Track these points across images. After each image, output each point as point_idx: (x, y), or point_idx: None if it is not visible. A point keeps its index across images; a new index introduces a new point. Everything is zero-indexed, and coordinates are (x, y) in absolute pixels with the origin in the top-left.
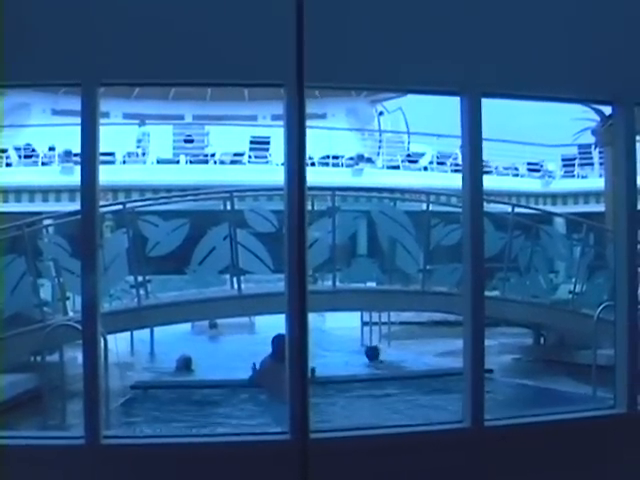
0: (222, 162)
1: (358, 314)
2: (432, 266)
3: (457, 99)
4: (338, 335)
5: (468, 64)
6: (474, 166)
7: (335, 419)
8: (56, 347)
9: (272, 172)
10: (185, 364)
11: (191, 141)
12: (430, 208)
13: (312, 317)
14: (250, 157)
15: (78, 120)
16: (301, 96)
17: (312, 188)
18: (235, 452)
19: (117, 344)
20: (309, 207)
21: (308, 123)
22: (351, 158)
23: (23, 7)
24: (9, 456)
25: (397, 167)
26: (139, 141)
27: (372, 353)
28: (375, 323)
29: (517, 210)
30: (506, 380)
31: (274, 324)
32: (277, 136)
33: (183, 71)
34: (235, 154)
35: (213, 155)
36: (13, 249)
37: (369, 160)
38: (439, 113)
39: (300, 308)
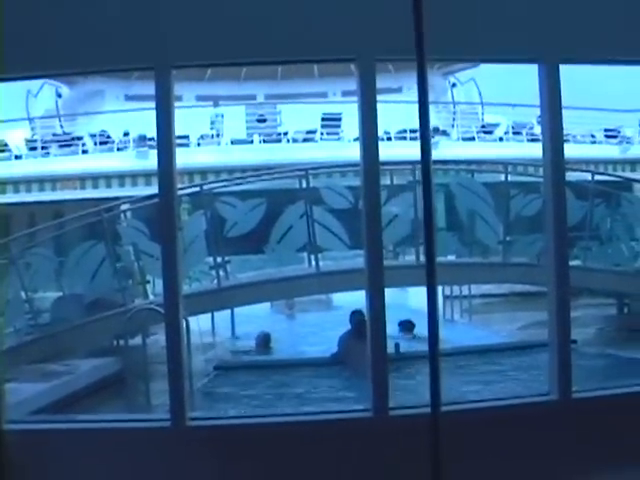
0: (295, 140)
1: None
2: (512, 237)
3: (529, 67)
4: (419, 310)
5: (546, 30)
6: (554, 134)
7: (417, 395)
8: (138, 330)
9: (345, 148)
10: (264, 341)
11: (264, 120)
12: (508, 179)
13: (395, 292)
14: (322, 134)
15: (152, 105)
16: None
17: (389, 163)
18: (318, 430)
19: (199, 325)
20: (388, 182)
21: (384, 97)
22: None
23: None
24: (96, 439)
25: (472, 139)
26: (213, 123)
27: (406, 327)
28: (456, 297)
29: (597, 178)
30: (590, 351)
31: (351, 300)
32: (349, 112)
33: (254, 50)
34: (307, 132)
35: (286, 134)
36: (92, 235)
37: (444, 133)
38: (512, 83)
39: (378, 283)
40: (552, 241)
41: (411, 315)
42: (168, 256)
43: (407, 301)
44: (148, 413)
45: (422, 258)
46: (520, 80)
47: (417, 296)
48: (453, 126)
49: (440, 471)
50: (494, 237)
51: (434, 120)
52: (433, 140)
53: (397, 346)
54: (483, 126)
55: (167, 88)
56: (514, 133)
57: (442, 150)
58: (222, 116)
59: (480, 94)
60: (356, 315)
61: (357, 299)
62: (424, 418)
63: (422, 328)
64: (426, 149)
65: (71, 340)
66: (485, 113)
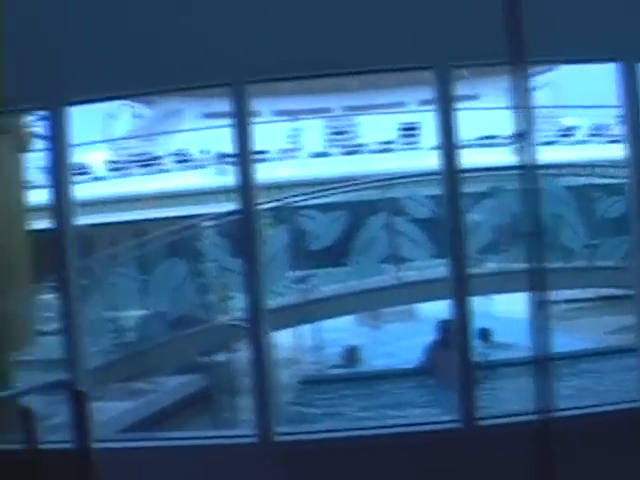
0: (373, 151)
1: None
2: (597, 240)
3: (607, 67)
4: (507, 318)
5: (623, 29)
6: (636, 134)
7: (506, 404)
8: (223, 346)
9: (424, 157)
10: (350, 355)
11: (342, 133)
12: (591, 181)
13: (478, 300)
14: (400, 144)
15: (229, 122)
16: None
17: (469, 170)
18: (407, 443)
19: (283, 339)
20: (469, 189)
21: (461, 105)
22: (507, 137)
23: (168, 14)
24: (183, 457)
25: (553, 142)
26: (291, 137)
27: (482, 334)
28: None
29: None
30: None
31: (435, 310)
32: (427, 121)
33: (329, 63)
34: (385, 142)
35: (364, 145)
36: (174, 253)
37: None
38: (590, 84)
39: (462, 292)
40: (638, 243)
41: (495, 323)
42: (251, 271)
43: (490, 309)
44: (235, 429)
45: (505, 265)
46: (598, 81)
47: (501, 303)
48: (535, 130)
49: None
50: (579, 241)
51: (514, 125)
52: (514, 145)
53: (482, 355)
54: (563, 129)
55: (243, 104)
56: (594, 135)
57: (522, 155)
58: (301, 130)
59: (559, 97)
60: (442, 324)
61: (441, 309)
62: (514, 427)
63: (504, 335)
64: (529, 152)
65: (156, 358)
66: (564, 116)
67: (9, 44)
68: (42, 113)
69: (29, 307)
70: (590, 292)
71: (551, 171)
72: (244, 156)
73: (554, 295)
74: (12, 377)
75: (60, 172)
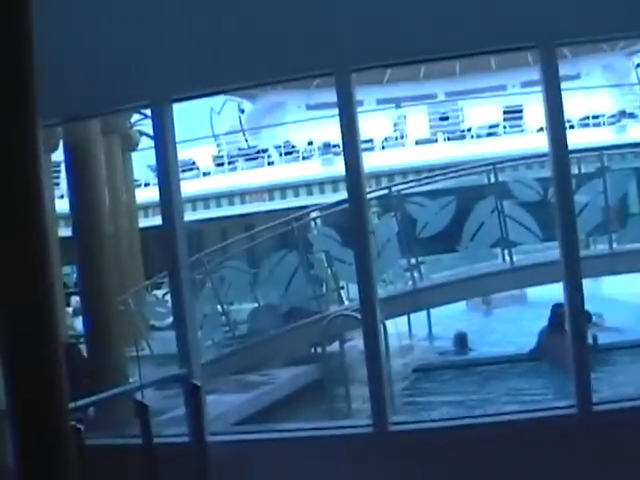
0: (479, 136)
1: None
2: None
3: None
4: (619, 300)
5: None
6: None
7: (619, 388)
8: (335, 337)
9: (529, 140)
10: (461, 341)
11: (446, 118)
12: None
13: (588, 282)
14: (505, 127)
15: (333, 112)
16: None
17: (577, 151)
18: (523, 430)
19: (396, 328)
20: (576, 170)
21: (563, 85)
22: (612, 116)
23: (269, 3)
24: (298, 448)
25: None
26: (396, 124)
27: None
28: None
29: None
30: None
31: (546, 294)
32: (530, 103)
33: (431, 47)
34: (490, 126)
35: (469, 130)
36: (284, 245)
37: (631, 115)
38: None
39: (575, 275)
40: None
41: (606, 305)
42: (361, 260)
43: (599, 290)
44: (350, 419)
45: (615, 246)
46: None
47: (611, 285)
48: None
49: None
50: None
51: (620, 103)
52: (620, 124)
53: (595, 338)
54: None
55: (349, 92)
56: None
57: (631, 133)
58: (405, 117)
59: None
60: (556, 308)
61: (552, 292)
62: (630, 412)
63: (615, 317)
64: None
65: (269, 350)
66: None
67: (111, 43)
68: (147, 111)
69: (143, 303)
70: None
71: None
72: (351, 145)
73: None
74: (128, 372)
75: (168, 169)
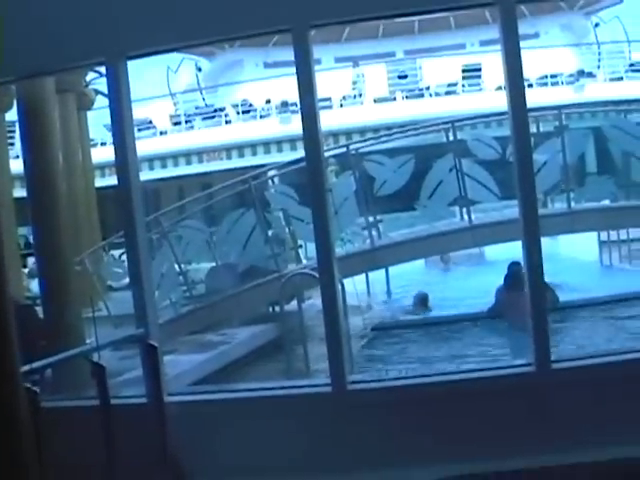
0: (437, 94)
1: (595, 235)
2: None
3: None
4: (576, 258)
5: None
6: None
7: (577, 345)
8: (293, 296)
9: (488, 98)
10: (422, 301)
11: (405, 77)
12: None
13: (547, 241)
14: (464, 86)
15: (291, 70)
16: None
17: (535, 109)
18: (481, 387)
19: (354, 287)
20: (534, 129)
21: (521, 44)
22: (571, 75)
23: None
24: (256, 407)
25: (620, 78)
26: (354, 83)
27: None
28: (613, 242)
29: None
30: None
31: (504, 253)
32: (488, 61)
33: (389, 3)
34: (449, 84)
35: (428, 88)
36: (242, 204)
37: (590, 74)
38: None
39: (533, 233)
40: None
41: (563, 263)
42: (319, 219)
43: (557, 249)
44: (308, 378)
45: (573, 205)
46: None
47: (568, 244)
48: (599, 67)
49: None
50: None
51: (578, 62)
52: (578, 83)
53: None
54: (631, 64)
55: (306, 49)
56: None
57: (589, 92)
58: (363, 75)
59: (626, 31)
60: (512, 267)
61: (510, 251)
62: (587, 369)
63: (576, 276)
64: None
65: (227, 309)
66: (632, 51)
67: (66, 1)
68: (102, 69)
69: (100, 263)
70: None
71: (620, 107)
72: (308, 103)
73: (628, 234)
74: (84, 333)
75: (123, 127)
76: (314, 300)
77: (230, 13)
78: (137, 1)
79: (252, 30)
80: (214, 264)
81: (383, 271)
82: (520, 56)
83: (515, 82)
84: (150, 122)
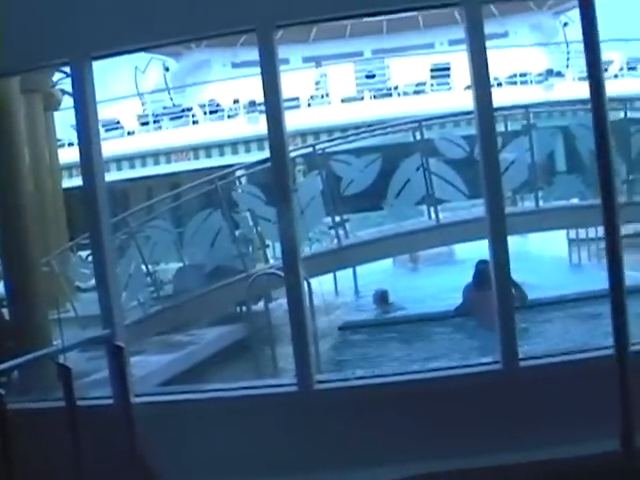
0: (405, 93)
1: (564, 233)
2: (635, 176)
3: None
4: (545, 256)
5: None
6: None
7: (546, 343)
8: (261, 296)
9: (456, 98)
10: (381, 298)
11: (373, 76)
12: (628, 115)
13: (516, 240)
14: (432, 85)
15: (258, 70)
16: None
17: (504, 108)
18: (448, 386)
19: (321, 286)
20: (502, 128)
21: (489, 43)
22: (540, 74)
23: None
24: (224, 407)
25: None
26: (317, 83)
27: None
28: (582, 240)
29: None
30: None
31: (473, 252)
32: (457, 61)
33: (356, 3)
34: (417, 84)
35: (396, 88)
36: (209, 204)
37: (559, 74)
38: (625, 17)
39: (500, 231)
40: None
41: (533, 262)
42: (284, 218)
43: (527, 248)
44: (275, 378)
45: (541, 203)
46: (633, 13)
47: (537, 243)
48: (568, 66)
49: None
50: (617, 176)
51: (547, 61)
52: (547, 82)
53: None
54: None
55: (271, 49)
56: (629, 69)
57: (558, 92)
58: (326, 75)
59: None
60: (479, 265)
61: (479, 250)
62: (555, 367)
63: (545, 274)
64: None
65: (195, 310)
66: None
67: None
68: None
69: (67, 264)
70: (629, 228)
71: (587, 106)
72: (273, 103)
73: (596, 232)
74: (51, 335)
75: (88, 128)
76: (282, 300)
77: (195, 13)
78: (102, 1)
79: (217, 30)
80: (182, 264)
81: (350, 270)
82: (486, 55)
83: (481, 81)
84: (118, 122)
